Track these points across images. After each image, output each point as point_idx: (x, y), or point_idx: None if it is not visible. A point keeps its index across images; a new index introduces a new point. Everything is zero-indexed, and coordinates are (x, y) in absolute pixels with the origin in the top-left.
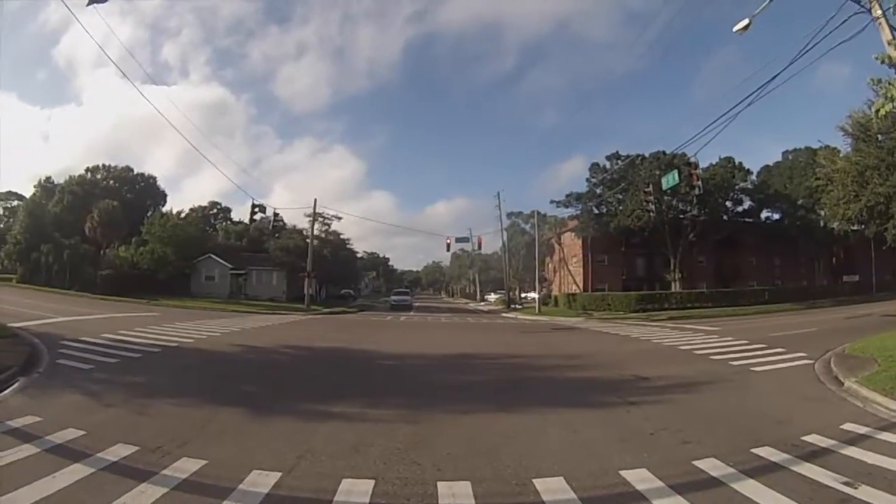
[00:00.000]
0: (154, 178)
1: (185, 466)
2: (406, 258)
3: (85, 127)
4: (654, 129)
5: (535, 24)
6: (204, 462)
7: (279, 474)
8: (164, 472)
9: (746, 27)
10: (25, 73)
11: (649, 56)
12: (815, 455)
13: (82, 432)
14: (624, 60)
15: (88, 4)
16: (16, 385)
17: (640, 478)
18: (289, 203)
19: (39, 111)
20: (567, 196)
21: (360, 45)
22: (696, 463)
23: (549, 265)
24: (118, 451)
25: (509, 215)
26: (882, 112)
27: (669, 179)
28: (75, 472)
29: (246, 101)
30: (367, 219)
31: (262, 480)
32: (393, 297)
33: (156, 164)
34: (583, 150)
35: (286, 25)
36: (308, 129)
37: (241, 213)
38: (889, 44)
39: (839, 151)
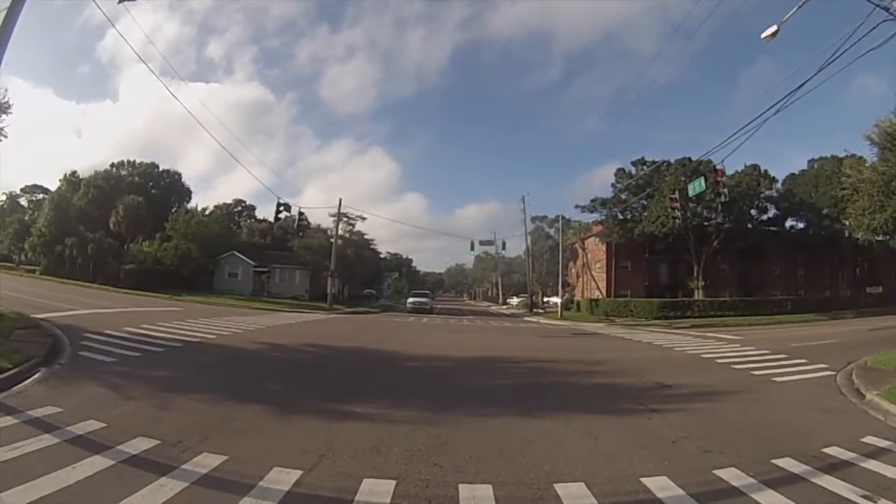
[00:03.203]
0: (179, 175)
1: (206, 462)
2: (434, 260)
3: (120, 123)
4: (684, 137)
5: (582, 35)
6: (225, 458)
7: (300, 472)
8: (185, 466)
9: (774, 34)
10: (65, 68)
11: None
12: (835, 467)
13: (103, 424)
14: (663, 70)
15: (120, 2)
16: (37, 375)
17: (660, 485)
18: (322, 203)
19: (75, 106)
20: (592, 201)
21: (409, 48)
22: (716, 472)
23: (573, 270)
24: (139, 445)
25: (534, 219)
26: None
27: (696, 186)
28: (95, 463)
29: (289, 101)
30: (395, 221)
31: (282, 478)
32: (410, 300)
33: (191, 161)
34: (616, 158)
35: (337, 26)
36: (349, 130)
37: (268, 213)
38: None
39: (865, 161)
